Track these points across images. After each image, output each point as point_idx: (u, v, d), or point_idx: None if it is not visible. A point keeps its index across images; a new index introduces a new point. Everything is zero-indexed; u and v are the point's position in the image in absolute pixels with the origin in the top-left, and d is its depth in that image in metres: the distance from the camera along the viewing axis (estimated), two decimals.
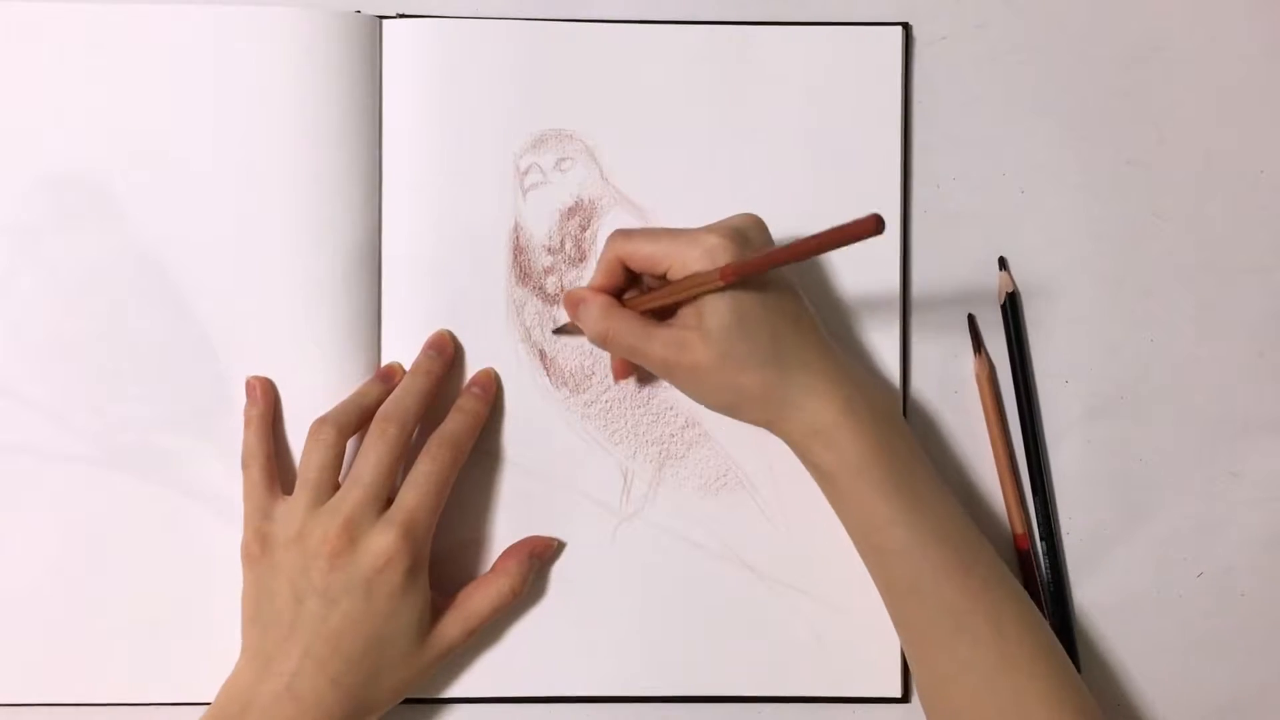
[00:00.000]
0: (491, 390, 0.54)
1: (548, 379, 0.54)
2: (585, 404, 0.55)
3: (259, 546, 0.50)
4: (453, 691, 0.53)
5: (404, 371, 0.53)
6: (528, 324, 0.54)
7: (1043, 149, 0.56)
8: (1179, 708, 0.55)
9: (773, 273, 0.48)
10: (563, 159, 0.55)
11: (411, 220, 0.54)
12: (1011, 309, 0.55)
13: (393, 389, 0.52)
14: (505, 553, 0.53)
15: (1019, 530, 0.54)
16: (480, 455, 0.54)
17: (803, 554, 0.54)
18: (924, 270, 0.55)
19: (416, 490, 0.50)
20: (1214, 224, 0.56)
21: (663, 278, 0.49)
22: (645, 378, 0.55)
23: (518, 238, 0.54)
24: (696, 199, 0.54)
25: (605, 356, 0.55)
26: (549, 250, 0.54)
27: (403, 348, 0.54)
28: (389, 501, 0.50)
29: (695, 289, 0.47)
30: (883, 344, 0.55)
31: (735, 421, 0.50)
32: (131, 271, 0.54)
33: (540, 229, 0.54)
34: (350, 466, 0.51)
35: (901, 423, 0.50)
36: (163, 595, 0.53)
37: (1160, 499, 0.55)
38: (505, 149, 0.54)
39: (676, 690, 0.54)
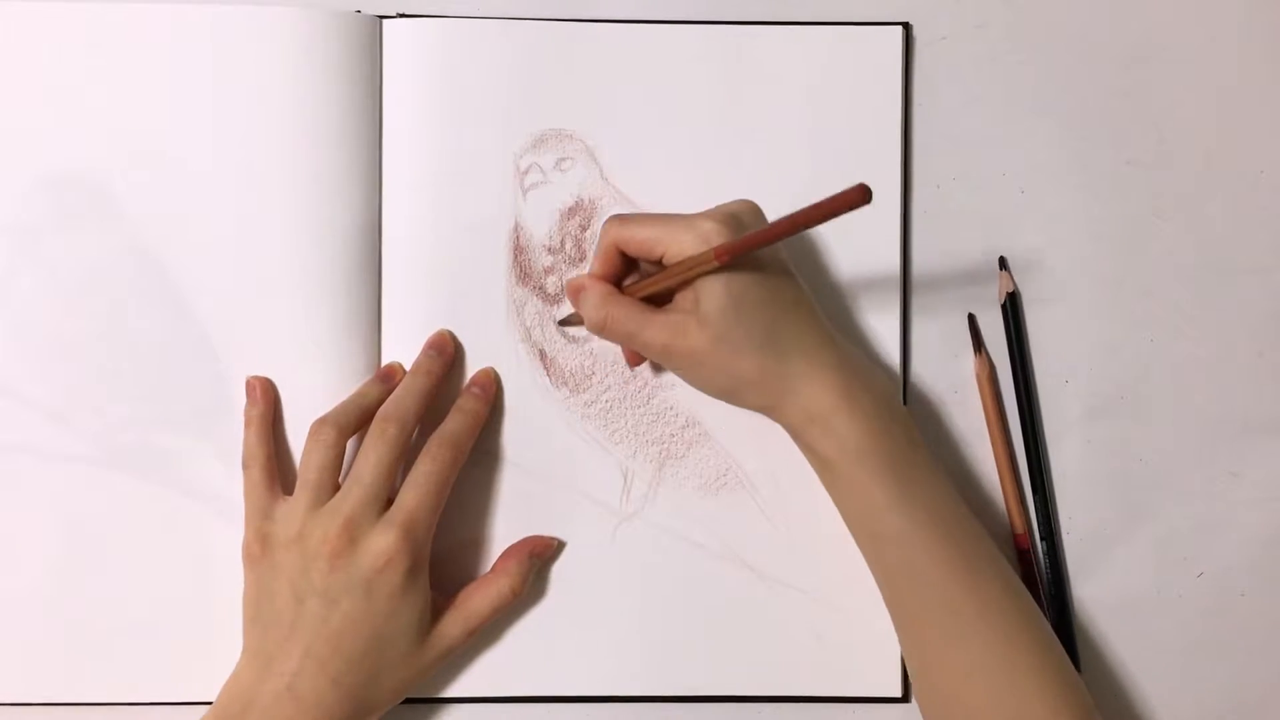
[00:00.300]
0: (491, 390, 0.54)
1: (548, 379, 0.54)
2: (585, 404, 0.55)
3: (260, 547, 0.50)
4: (453, 691, 0.54)
5: (404, 371, 0.53)
6: (528, 324, 0.54)
7: (1043, 149, 0.56)
8: (1179, 708, 0.55)
9: (770, 257, 0.48)
10: (563, 159, 0.55)
11: (411, 220, 0.54)
12: (1011, 309, 0.55)
13: (393, 389, 0.52)
14: (505, 553, 0.53)
15: (1019, 529, 0.54)
16: (480, 455, 0.54)
17: (803, 554, 0.54)
18: (924, 270, 0.55)
19: (416, 490, 0.50)
20: (1214, 224, 0.56)
21: (659, 263, 0.49)
22: (650, 374, 0.55)
23: (518, 238, 0.54)
24: (697, 199, 0.54)
25: (606, 357, 0.55)
26: (549, 250, 0.54)
27: (403, 348, 0.54)
28: (389, 502, 0.50)
29: (691, 272, 0.47)
30: (883, 344, 0.55)
31: (735, 421, 0.50)
32: (131, 271, 0.54)
33: (540, 229, 0.54)
34: (350, 466, 0.51)
35: (901, 409, 0.50)
36: (163, 595, 0.53)
37: (1160, 499, 0.55)
38: (505, 149, 0.54)
39: (676, 690, 0.54)
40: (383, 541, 0.49)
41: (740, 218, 0.48)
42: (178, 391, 0.54)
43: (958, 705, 0.47)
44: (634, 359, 0.54)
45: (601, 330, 0.49)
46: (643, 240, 0.48)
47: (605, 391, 0.55)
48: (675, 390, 0.54)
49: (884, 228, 0.55)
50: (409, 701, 0.52)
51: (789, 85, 0.55)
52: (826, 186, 0.54)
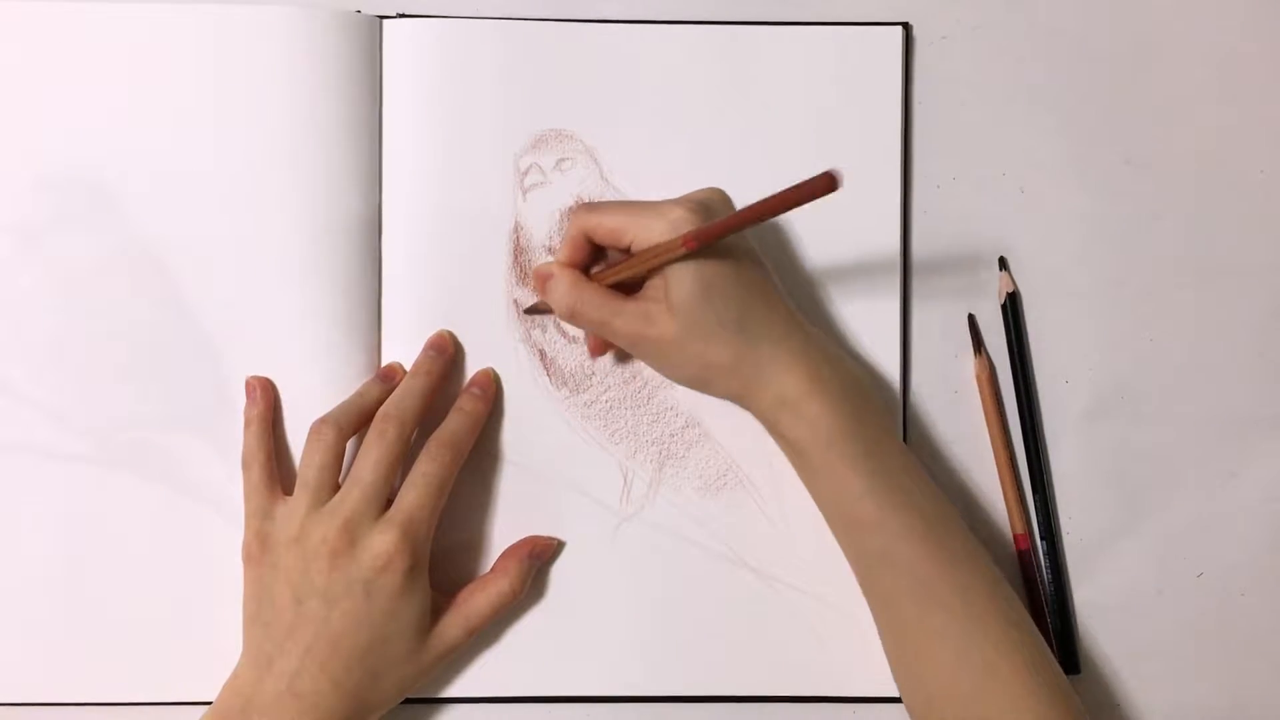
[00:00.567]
0: (491, 390, 0.54)
1: (548, 379, 0.54)
2: (585, 404, 0.55)
3: (259, 547, 0.50)
4: (453, 691, 0.54)
5: (404, 371, 0.53)
6: (528, 324, 0.54)
7: (1042, 148, 0.56)
8: (1179, 708, 0.55)
9: (738, 244, 0.48)
10: (563, 159, 0.55)
11: (412, 219, 0.54)
12: (1011, 309, 0.55)
13: (393, 389, 0.52)
14: (505, 553, 0.53)
15: (1019, 530, 0.54)
16: (480, 455, 0.54)
17: (803, 554, 0.54)
18: (924, 270, 0.55)
19: (416, 491, 0.50)
20: (1214, 224, 0.56)
21: (627, 250, 0.48)
22: (650, 374, 0.55)
23: (518, 238, 0.54)
24: None
25: (606, 357, 0.55)
26: (549, 250, 0.54)
27: (403, 348, 0.54)
28: (389, 502, 0.50)
29: (659, 259, 0.46)
30: (883, 344, 0.55)
31: (735, 421, 0.50)
32: (131, 271, 0.54)
33: (540, 229, 0.54)
34: (350, 467, 0.51)
35: (872, 394, 0.50)
36: (163, 595, 0.53)
37: (1160, 499, 0.55)
38: (505, 149, 0.54)
39: (676, 690, 0.54)
40: (382, 542, 0.49)
41: (709, 205, 0.48)
42: (178, 391, 0.54)
43: (936, 687, 0.47)
44: (598, 348, 0.54)
45: (571, 317, 0.49)
46: (611, 227, 0.48)
47: (605, 392, 0.55)
48: (675, 390, 0.54)
49: (884, 228, 0.55)
50: (409, 701, 0.52)
51: (789, 85, 0.55)
52: None
